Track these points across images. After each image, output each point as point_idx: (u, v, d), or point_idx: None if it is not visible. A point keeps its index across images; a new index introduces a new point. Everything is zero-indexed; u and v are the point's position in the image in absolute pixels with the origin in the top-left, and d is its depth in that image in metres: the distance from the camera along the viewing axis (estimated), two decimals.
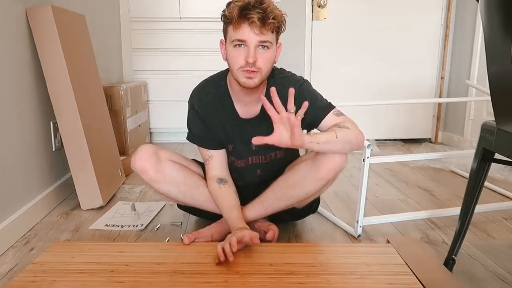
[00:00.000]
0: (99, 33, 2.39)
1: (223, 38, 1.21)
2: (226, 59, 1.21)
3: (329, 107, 1.26)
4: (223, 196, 1.29)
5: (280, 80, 1.26)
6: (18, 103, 1.48)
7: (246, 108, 1.29)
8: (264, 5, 1.11)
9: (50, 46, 1.58)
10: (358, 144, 1.21)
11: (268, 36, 1.13)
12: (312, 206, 1.44)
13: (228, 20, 1.14)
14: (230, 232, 1.34)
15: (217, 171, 1.33)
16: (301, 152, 1.43)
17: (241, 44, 1.13)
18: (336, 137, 1.15)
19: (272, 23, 1.11)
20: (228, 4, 1.15)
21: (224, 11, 1.15)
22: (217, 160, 1.33)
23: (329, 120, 1.23)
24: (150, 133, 3.05)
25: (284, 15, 1.16)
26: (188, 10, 2.90)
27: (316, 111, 1.23)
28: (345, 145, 1.18)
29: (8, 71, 1.41)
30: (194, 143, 1.35)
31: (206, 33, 2.88)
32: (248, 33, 1.11)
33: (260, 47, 1.14)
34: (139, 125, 2.68)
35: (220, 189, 1.30)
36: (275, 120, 1.06)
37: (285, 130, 1.05)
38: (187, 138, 1.36)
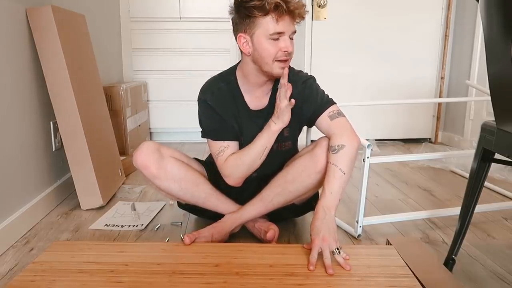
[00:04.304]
0: (99, 33, 2.39)
1: (241, 33, 1.19)
2: (252, 53, 1.20)
3: (326, 104, 1.28)
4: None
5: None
6: (18, 103, 1.48)
7: (255, 100, 1.31)
8: None
9: (50, 46, 1.57)
10: (357, 150, 1.24)
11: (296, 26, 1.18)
12: (311, 203, 1.44)
13: (261, 13, 1.13)
14: (231, 231, 1.34)
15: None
16: (300, 148, 1.43)
17: (278, 37, 1.15)
18: (341, 169, 1.18)
19: (304, 12, 1.16)
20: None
21: (251, 3, 1.12)
22: (232, 151, 1.30)
23: (323, 121, 1.27)
24: (150, 133, 3.05)
25: None
26: (188, 10, 2.89)
27: (314, 106, 1.28)
28: (352, 164, 1.21)
29: (8, 71, 1.41)
30: (209, 138, 1.32)
31: (206, 33, 2.86)
32: (288, 24, 1.15)
33: (290, 36, 1.18)
34: (139, 125, 2.68)
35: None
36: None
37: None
38: (202, 136, 1.33)
